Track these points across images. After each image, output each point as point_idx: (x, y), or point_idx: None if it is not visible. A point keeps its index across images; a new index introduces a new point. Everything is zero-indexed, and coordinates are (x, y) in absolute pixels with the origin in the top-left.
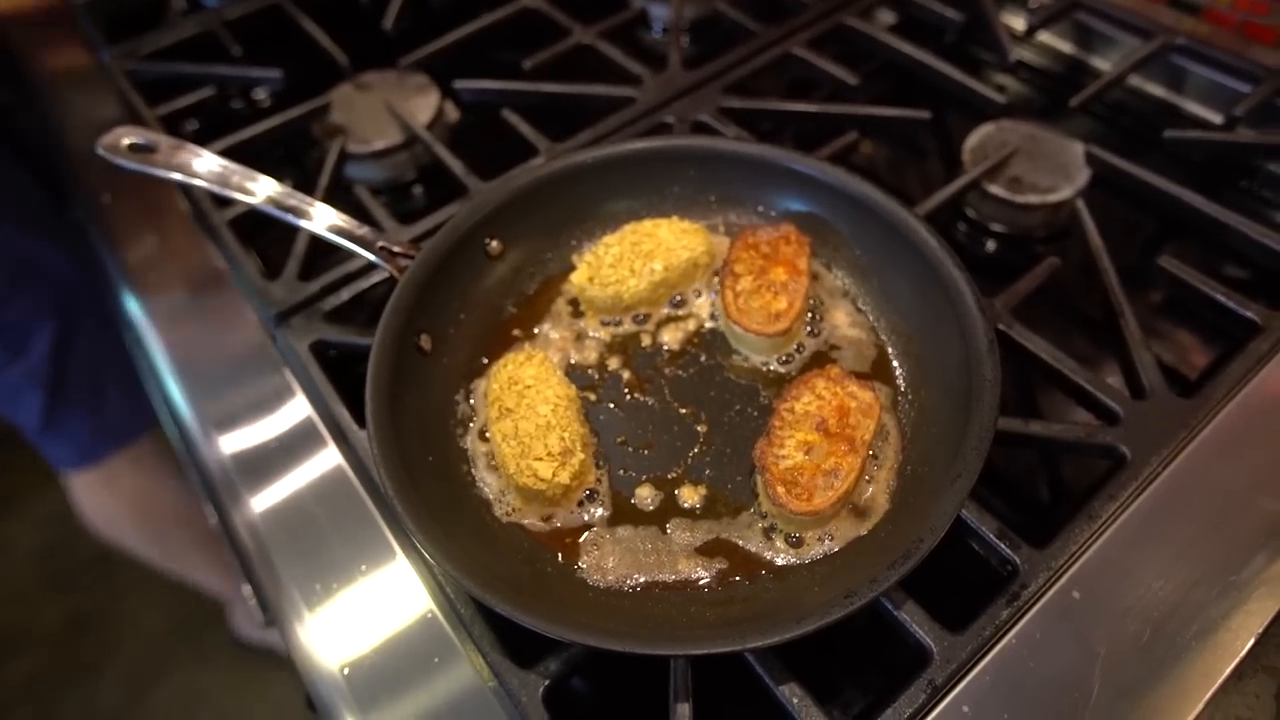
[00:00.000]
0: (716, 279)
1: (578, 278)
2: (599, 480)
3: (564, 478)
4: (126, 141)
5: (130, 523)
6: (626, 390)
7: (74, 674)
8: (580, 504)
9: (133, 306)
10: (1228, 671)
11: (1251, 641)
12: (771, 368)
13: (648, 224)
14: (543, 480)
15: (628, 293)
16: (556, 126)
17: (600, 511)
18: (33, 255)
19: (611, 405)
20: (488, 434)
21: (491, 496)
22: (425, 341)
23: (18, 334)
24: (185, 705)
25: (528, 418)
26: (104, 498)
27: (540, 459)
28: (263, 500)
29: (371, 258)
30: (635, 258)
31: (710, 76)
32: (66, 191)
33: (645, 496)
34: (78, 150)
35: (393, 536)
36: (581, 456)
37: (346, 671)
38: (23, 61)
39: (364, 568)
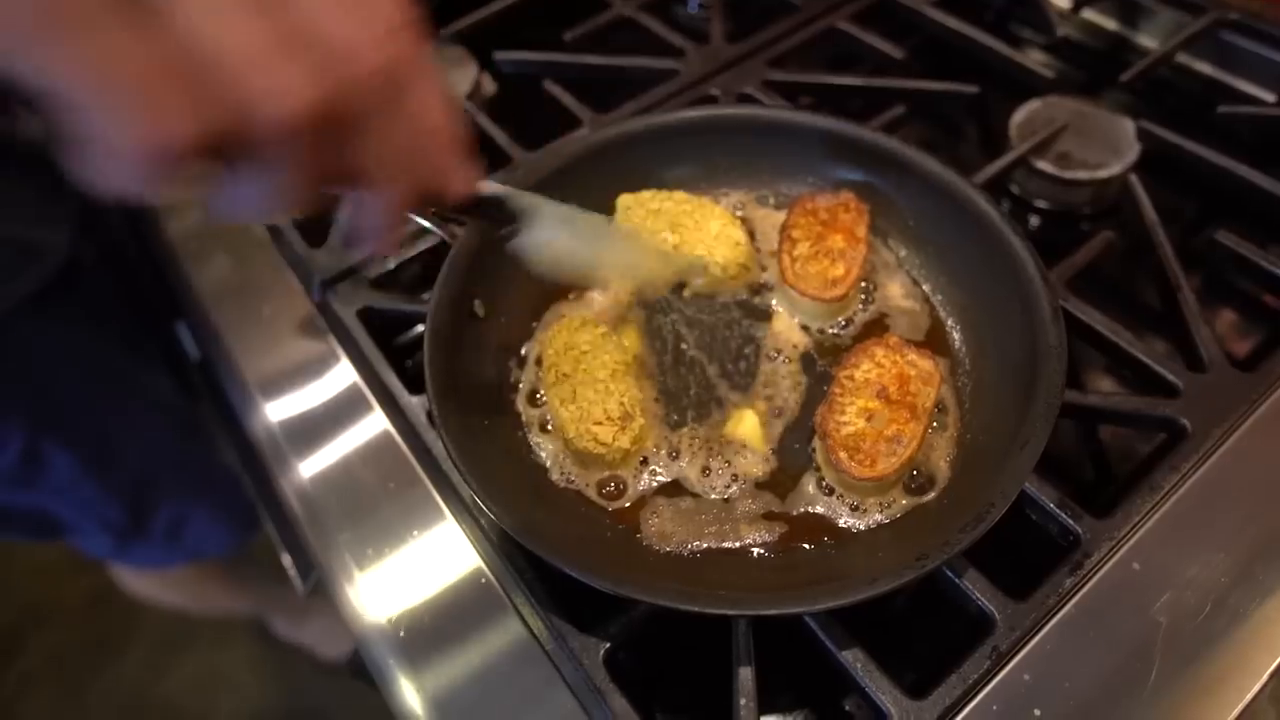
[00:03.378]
0: (763, 254)
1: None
2: (657, 446)
3: (624, 442)
4: None
5: (172, 597)
6: (683, 354)
7: (97, 650)
8: (639, 469)
9: (178, 278)
10: None
11: None
12: (827, 333)
13: (701, 202)
14: (603, 444)
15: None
16: (598, 99)
17: (660, 476)
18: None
19: (668, 370)
20: (543, 398)
21: (548, 461)
22: (479, 307)
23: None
24: (207, 682)
25: (585, 382)
26: (150, 583)
27: (600, 423)
28: (311, 466)
29: (424, 223)
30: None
31: (754, 50)
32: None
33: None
34: None
35: (442, 500)
36: (641, 421)
37: (399, 634)
38: None
39: (415, 531)
